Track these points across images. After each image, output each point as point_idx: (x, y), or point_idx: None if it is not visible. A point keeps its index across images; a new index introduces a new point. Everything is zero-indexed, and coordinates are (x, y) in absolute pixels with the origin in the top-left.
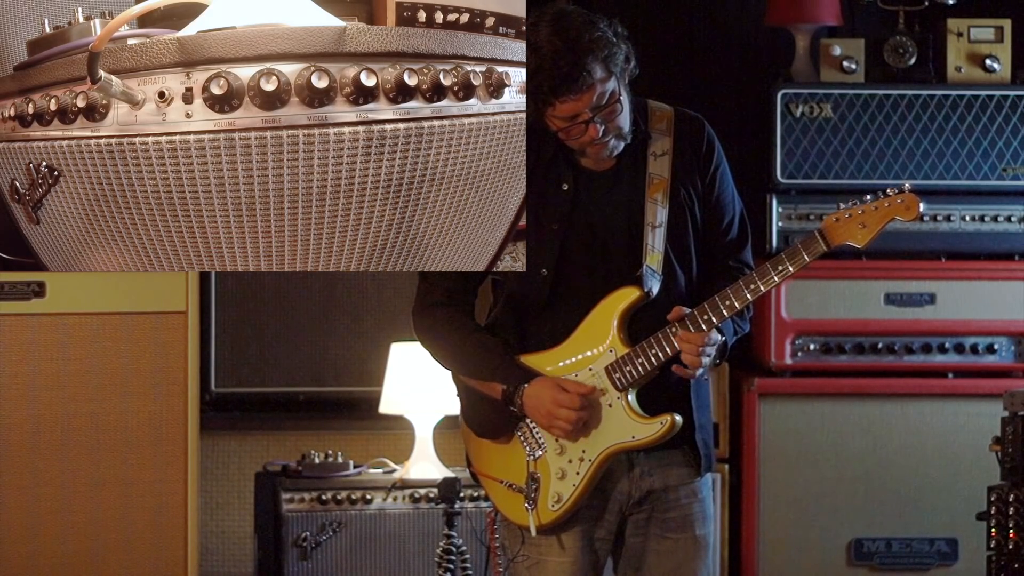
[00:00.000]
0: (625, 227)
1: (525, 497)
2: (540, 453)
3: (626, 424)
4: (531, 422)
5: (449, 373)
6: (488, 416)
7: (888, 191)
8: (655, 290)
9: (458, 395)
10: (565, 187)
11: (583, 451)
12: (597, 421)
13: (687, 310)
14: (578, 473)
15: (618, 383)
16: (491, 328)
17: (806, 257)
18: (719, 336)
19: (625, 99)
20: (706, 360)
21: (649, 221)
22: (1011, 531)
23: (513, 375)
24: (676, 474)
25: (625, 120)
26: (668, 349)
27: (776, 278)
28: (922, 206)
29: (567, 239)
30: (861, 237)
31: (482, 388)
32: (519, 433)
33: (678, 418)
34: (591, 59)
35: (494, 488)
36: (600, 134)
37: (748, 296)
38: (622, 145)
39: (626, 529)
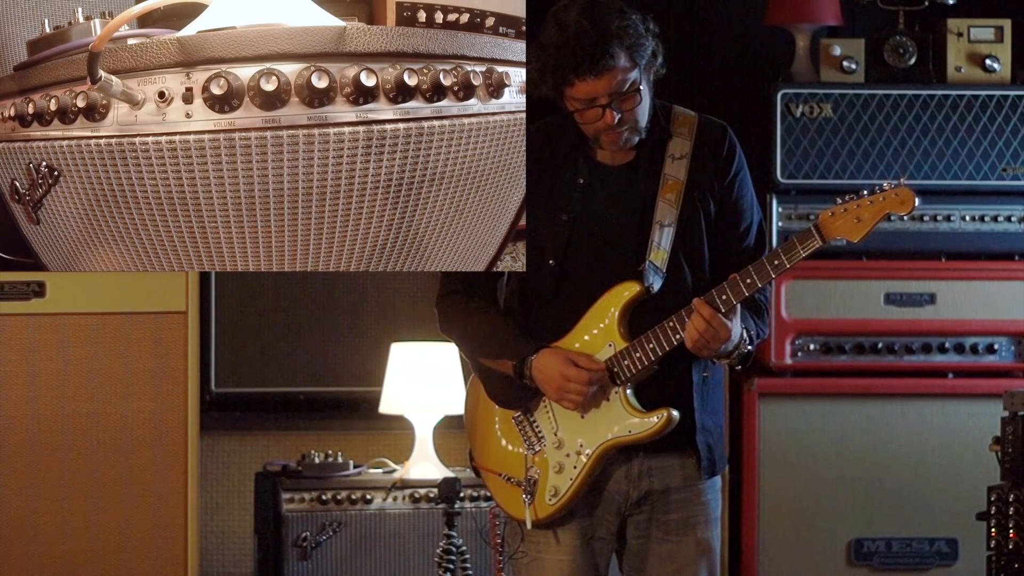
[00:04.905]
0: (634, 223)
1: (523, 490)
2: (539, 447)
3: (624, 419)
4: (532, 415)
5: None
6: (506, 390)
7: (884, 185)
8: (656, 286)
9: (481, 378)
10: (581, 180)
11: (581, 444)
12: (596, 415)
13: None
14: (575, 467)
15: (617, 377)
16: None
17: (801, 251)
18: (740, 330)
19: (645, 92)
20: (721, 348)
21: (658, 219)
22: (1011, 531)
23: (521, 349)
24: (676, 476)
25: (643, 114)
26: (666, 343)
27: (772, 272)
28: (917, 200)
29: (576, 231)
30: (856, 231)
31: (497, 367)
32: (519, 426)
33: (675, 413)
34: (616, 45)
35: (494, 482)
36: (615, 122)
37: (744, 291)
38: (636, 139)
39: (627, 530)
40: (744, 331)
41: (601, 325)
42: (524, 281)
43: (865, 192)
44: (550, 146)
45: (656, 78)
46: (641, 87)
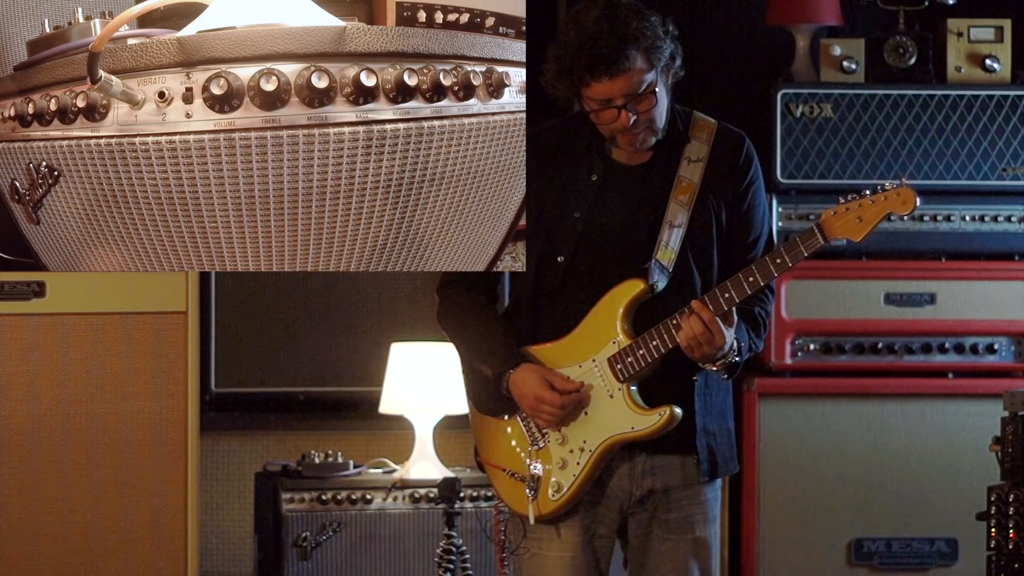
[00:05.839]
0: (645, 222)
1: (527, 486)
2: (543, 443)
3: (626, 415)
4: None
5: (451, 371)
6: (486, 395)
7: (886, 185)
8: (661, 285)
9: (463, 372)
10: (594, 177)
11: (584, 441)
12: (599, 412)
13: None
14: (578, 463)
15: (620, 374)
16: (509, 311)
17: (804, 251)
18: (732, 339)
19: (662, 94)
20: (711, 353)
21: (668, 220)
22: (1011, 531)
23: (503, 360)
24: (677, 476)
25: (660, 115)
26: (668, 341)
27: (774, 271)
28: (918, 200)
29: (587, 228)
30: (858, 231)
31: (482, 368)
32: (523, 422)
33: (677, 410)
34: (633, 46)
35: (498, 477)
36: (631, 123)
37: (747, 288)
38: (653, 140)
39: (629, 528)
40: (735, 341)
41: (605, 322)
42: (532, 276)
43: (867, 192)
44: (566, 143)
45: (675, 80)
46: (657, 89)
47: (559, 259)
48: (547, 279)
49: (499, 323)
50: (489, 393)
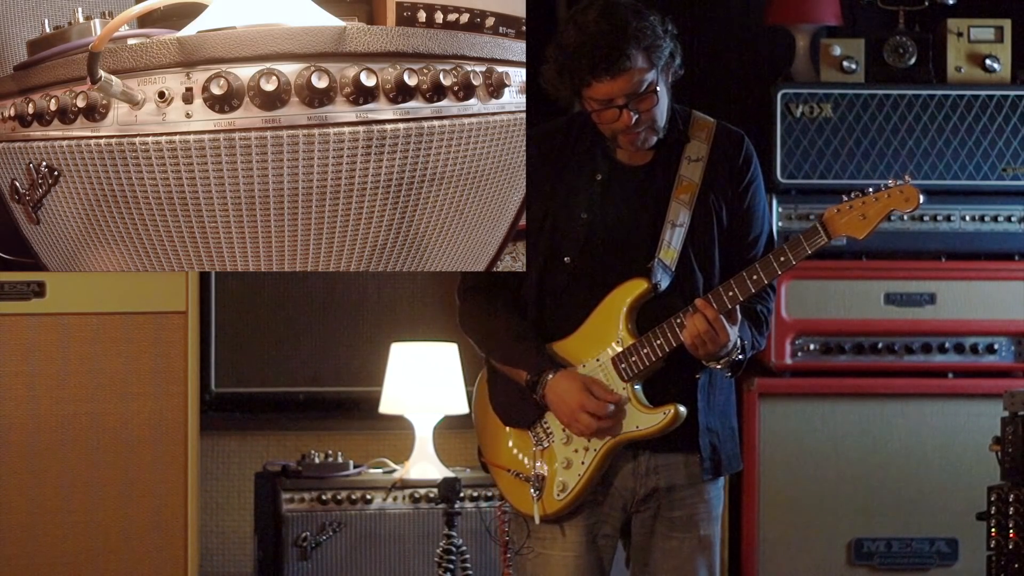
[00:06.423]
0: (647, 222)
1: (531, 486)
2: (547, 443)
3: (631, 415)
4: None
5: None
6: (513, 403)
7: (889, 183)
8: (664, 284)
9: (488, 379)
10: (599, 177)
11: (588, 440)
12: None
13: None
14: (583, 463)
15: (624, 374)
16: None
17: (807, 248)
18: (736, 337)
19: (663, 92)
20: (716, 351)
21: (670, 219)
22: (1011, 531)
23: (538, 363)
24: (680, 474)
25: (661, 114)
26: (672, 340)
27: (778, 269)
28: (922, 198)
29: (592, 229)
30: (861, 228)
31: (510, 373)
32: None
33: (682, 409)
34: (633, 46)
35: (502, 477)
36: (632, 122)
37: (750, 287)
38: (654, 139)
39: (632, 527)
40: (739, 339)
41: (609, 322)
42: (538, 275)
43: (870, 190)
44: (569, 143)
45: (674, 79)
46: (658, 88)
47: (566, 259)
48: (553, 279)
49: (524, 325)
50: (514, 400)
